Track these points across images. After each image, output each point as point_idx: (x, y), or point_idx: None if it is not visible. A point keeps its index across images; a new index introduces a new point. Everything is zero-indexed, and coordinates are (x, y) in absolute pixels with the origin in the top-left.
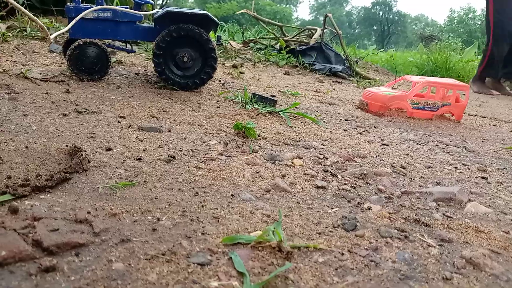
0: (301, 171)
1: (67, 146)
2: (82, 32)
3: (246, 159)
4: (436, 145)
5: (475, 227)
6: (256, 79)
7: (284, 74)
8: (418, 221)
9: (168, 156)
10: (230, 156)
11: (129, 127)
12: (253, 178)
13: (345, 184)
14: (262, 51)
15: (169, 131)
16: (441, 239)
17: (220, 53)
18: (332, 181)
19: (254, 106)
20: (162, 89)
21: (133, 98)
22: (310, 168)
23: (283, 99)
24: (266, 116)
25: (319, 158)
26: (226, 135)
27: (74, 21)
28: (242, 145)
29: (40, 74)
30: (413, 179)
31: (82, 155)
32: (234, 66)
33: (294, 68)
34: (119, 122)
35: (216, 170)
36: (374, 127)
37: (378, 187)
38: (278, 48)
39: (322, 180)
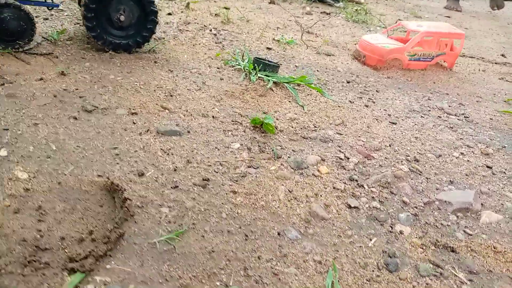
0: (330, 184)
1: (99, 176)
2: None
3: (274, 171)
4: (438, 116)
5: (494, 247)
6: (246, 21)
7: (269, 3)
8: (446, 247)
9: (203, 180)
10: (258, 167)
11: (147, 131)
12: (288, 201)
13: (373, 198)
14: None
15: (188, 132)
16: (469, 271)
17: None
18: (361, 195)
19: (258, 75)
20: (153, 53)
21: (132, 74)
22: (337, 178)
23: (279, 52)
24: (273, 91)
25: (341, 158)
26: (244, 132)
27: None
28: (264, 146)
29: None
30: (429, 178)
31: (123, 196)
32: None
33: None
34: (134, 123)
35: (251, 193)
36: (376, 91)
37: (403, 199)
38: None
39: (352, 197)
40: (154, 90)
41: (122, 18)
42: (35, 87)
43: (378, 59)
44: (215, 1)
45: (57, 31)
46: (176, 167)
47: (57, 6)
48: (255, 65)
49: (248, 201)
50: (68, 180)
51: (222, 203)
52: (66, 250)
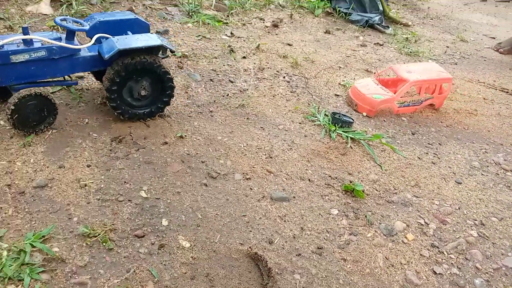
0: (417, 251)
1: (241, 244)
2: (14, 77)
3: (371, 238)
4: (496, 173)
5: None
6: (311, 61)
7: (325, 32)
8: None
9: (318, 248)
10: (357, 234)
11: (263, 197)
12: (387, 267)
13: (452, 264)
14: None
15: (294, 197)
16: None
17: None
18: (442, 261)
19: (337, 131)
20: (243, 108)
21: (234, 135)
22: (421, 245)
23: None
24: (352, 149)
25: (421, 224)
26: (338, 196)
27: None
28: (358, 212)
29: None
30: (495, 243)
31: (267, 266)
32: (275, 25)
33: (330, 16)
34: (251, 189)
35: (357, 261)
36: (439, 143)
37: (476, 265)
38: None
39: (436, 263)
40: (256, 152)
41: (143, 92)
42: (164, 152)
43: (369, 109)
44: (277, 35)
45: None
46: (295, 235)
47: (76, 83)
48: (334, 123)
49: (357, 268)
50: (220, 249)
51: (337, 270)
52: None
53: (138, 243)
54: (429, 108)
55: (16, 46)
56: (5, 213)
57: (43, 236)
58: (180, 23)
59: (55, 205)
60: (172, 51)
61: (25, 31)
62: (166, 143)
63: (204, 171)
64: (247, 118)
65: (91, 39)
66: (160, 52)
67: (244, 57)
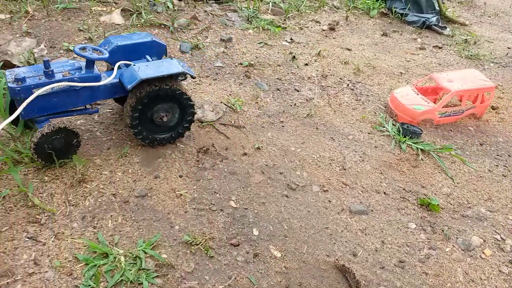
0: (495, 267)
1: (327, 256)
2: (36, 110)
3: (449, 252)
4: None
5: None
6: (372, 67)
7: (382, 35)
8: None
9: (399, 261)
10: (436, 248)
11: (342, 210)
12: (468, 282)
13: None
14: None
15: (372, 211)
16: None
17: (306, 0)
18: None
19: (407, 142)
20: (311, 118)
21: (306, 145)
22: (499, 261)
23: None
24: (423, 160)
25: (498, 240)
26: (414, 210)
27: (24, 104)
28: (434, 226)
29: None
30: None
31: (355, 278)
32: (331, 28)
33: (385, 17)
34: (329, 201)
35: (438, 275)
36: (508, 155)
37: None
38: None
39: None
40: (330, 164)
41: (165, 119)
42: (245, 163)
43: (410, 120)
44: (334, 38)
45: (237, 100)
46: (376, 248)
47: (97, 111)
48: (402, 133)
49: (438, 282)
50: (308, 259)
51: (420, 284)
52: None
53: (235, 251)
54: (492, 116)
55: (38, 79)
56: (115, 221)
57: (152, 244)
58: (241, 29)
59: (157, 214)
60: (193, 77)
61: (46, 64)
62: (245, 154)
63: (284, 183)
64: (316, 128)
65: (110, 64)
66: (179, 76)
67: (306, 64)
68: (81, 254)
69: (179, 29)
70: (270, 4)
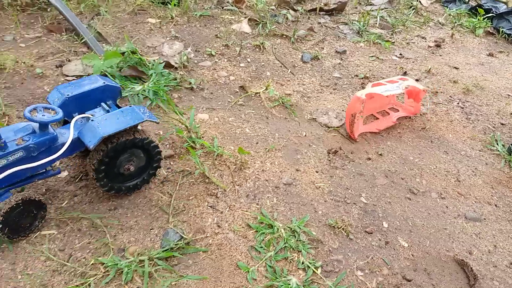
0: None
1: (447, 251)
2: None
3: None
4: None
5: None
6: (481, 88)
7: (488, 55)
8: None
9: (510, 263)
10: None
11: (458, 216)
12: None
13: None
14: (454, 11)
15: (484, 219)
16: None
17: (411, 15)
18: None
19: None
20: (425, 131)
21: (422, 156)
22: None
23: None
24: None
25: None
26: None
27: None
28: None
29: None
30: None
31: (472, 270)
32: (438, 45)
33: (490, 36)
34: (447, 207)
35: None
36: None
37: None
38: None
39: None
40: (446, 175)
41: (132, 168)
42: (370, 167)
43: None
44: (441, 56)
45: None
46: (489, 250)
47: (59, 172)
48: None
49: None
50: (431, 252)
51: None
52: None
53: (370, 237)
54: None
55: None
56: (271, 201)
57: (304, 222)
58: (353, 42)
59: (303, 200)
60: (156, 123)
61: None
62: (369, 158)
63: (405, 187)
64: (431, 142)
65: (64, 121)
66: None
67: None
68: (252, 223)
69: (298, 39)
70: (378, 18)
